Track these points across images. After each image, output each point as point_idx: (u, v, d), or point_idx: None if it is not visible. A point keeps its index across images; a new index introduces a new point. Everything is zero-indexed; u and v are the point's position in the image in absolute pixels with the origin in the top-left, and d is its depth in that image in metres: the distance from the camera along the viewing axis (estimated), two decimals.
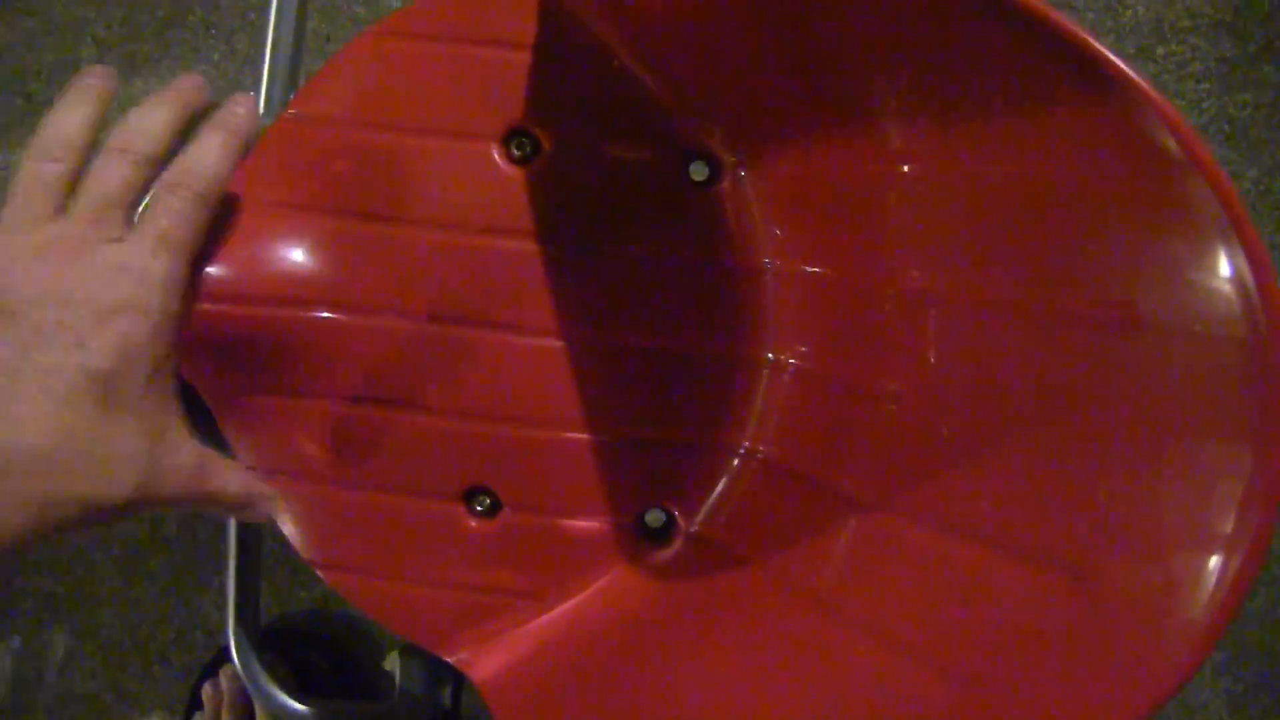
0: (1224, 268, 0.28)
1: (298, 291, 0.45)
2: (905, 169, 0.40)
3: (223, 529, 0.55)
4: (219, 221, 0.44)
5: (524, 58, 0.45)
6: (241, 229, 0.44)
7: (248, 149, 0.43)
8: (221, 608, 0.56)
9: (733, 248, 0.46)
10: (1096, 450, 0.34)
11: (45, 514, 0.35)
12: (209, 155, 0.41)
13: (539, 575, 0.47)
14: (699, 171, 0.46)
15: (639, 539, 0.48)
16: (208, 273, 0.43)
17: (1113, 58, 0.29)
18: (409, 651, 0.72)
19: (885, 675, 0.38)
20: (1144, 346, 0.32)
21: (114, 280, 0.37)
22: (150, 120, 0.40)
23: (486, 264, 0.46)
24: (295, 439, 0.46)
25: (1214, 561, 0.29)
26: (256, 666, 0.66)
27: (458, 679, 0.63)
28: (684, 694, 0.43)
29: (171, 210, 0.39)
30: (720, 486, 0.47)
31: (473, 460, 0.46)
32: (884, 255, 0.42)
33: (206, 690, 0.86)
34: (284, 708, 0.68)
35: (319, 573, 0.47)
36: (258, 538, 0.55)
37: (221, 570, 0.55)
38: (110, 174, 0.39)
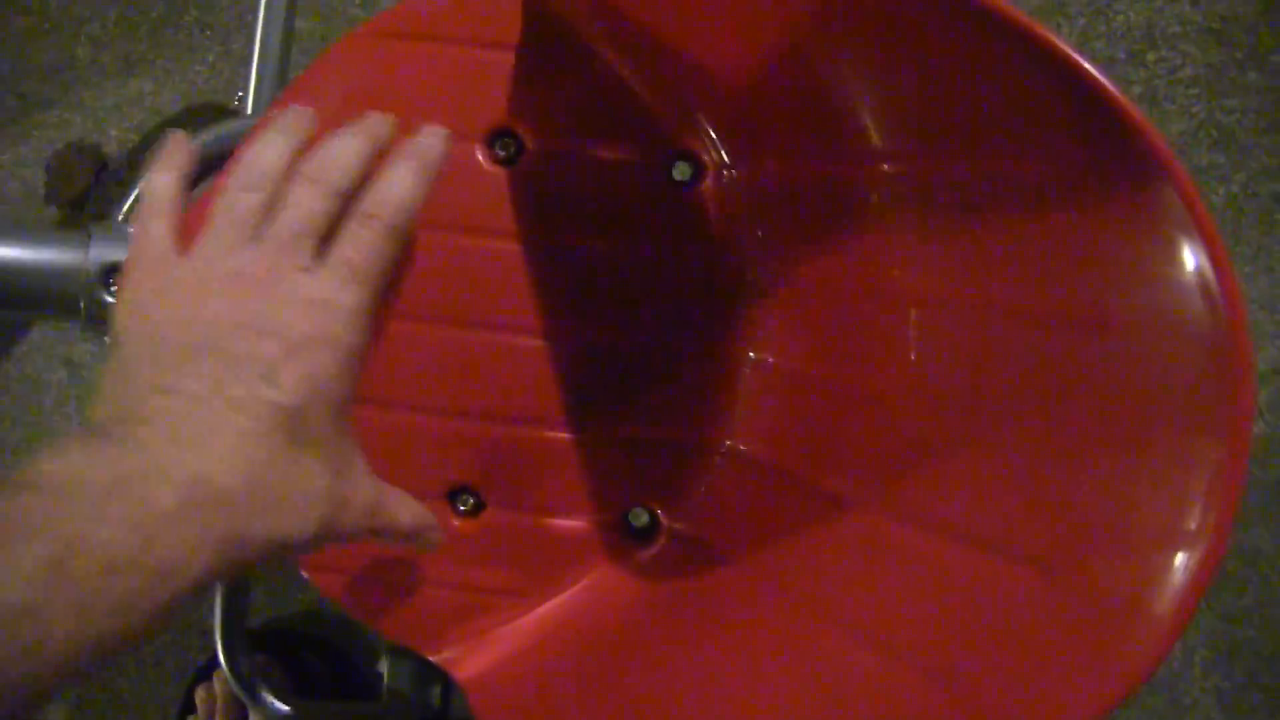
0: (1188, 269, 0.29)
1: None
2: (886, 167, 0.40)
3: None
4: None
5: (508, 58, 0.45)
6: None
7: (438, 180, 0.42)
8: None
9: (714, 247, 0.47)
10: (1071, 448, 0.34)
11: (230, 552, 0.33)
12: (401, 186, 0.40)
13: (523, 574, 0.47)
14: (682, 171, 0.46)
15: (623, 538, 0.48)
16: None
17: (1088, 65, 0.29)
18: (397, 652, 0.72)
19: (865, 672, 0.38)
20: (1115, 346, 0.33)
21: (304, 313, 0.37)
22: (344, 152, 0.40)
23: (469, 263, 0.46)
24: None
25: (1180, 556, 0.29)
26: (244, 671, 0.66)
27: (446, 679, 0.63)
28: (667, 692, 0.43)
29: (362, 242, 0.38)
30: (703, 485, 0.48)
31: (456, 459, 0.46)
32: (866, 255, 0.43)
33: (200, 693, 0.86)
34: (275, 710, 0.68)
35: (304, 573, 0.47)
36: None
37: None
38: (303, 204, 0.38)
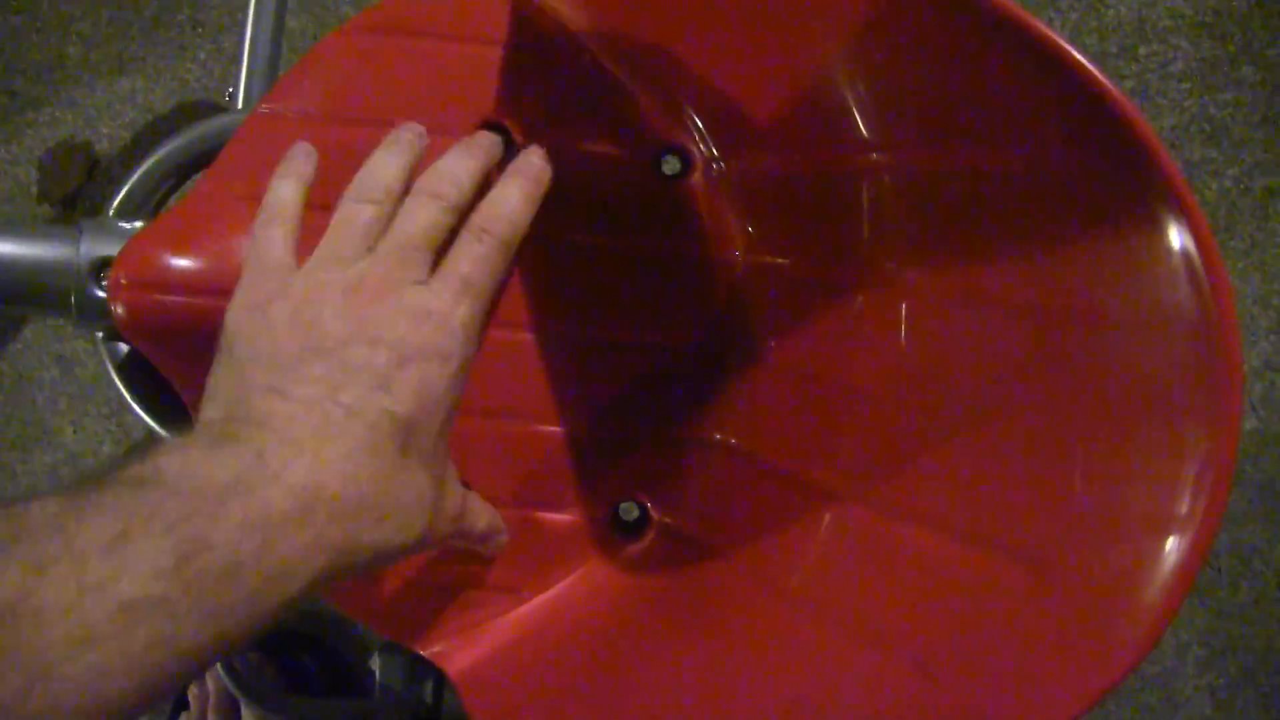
0: (1176, 257, 0.29)
1: None
2: (875, 157, 0.40)
3: None
4: (194, 216, 0.44)
5: (495, 53, 0.45)
6: (216, 222, 0.45)
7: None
8: None
9: (704, 241, 0.47)
10: (1059, 439, 0.34)
11: (340, 560, 0.34)
12: (511, 201, 0.41)
13: (513, 568, 0.47)
14: (670, 165, 0.46)
15: (613, 532, 0.48)
16: (180, 265, 0.43)
17: (1068, 47, 0.29)
18: (389, 649, 0.72)
19: (856, 665, 0.38)
20: (1103, 336, 0.33)
21: (418, 324, 0.37)
22: (460, 168, 0.41)
23: None
24: None
25: (1169, 545, 0.29)
26: (237, 668, 0.66)
27: (439, 676, 0.63)
28: (657, 685, 0.43)
29: (474, 255, 0.39)
30: (694, 479, 0.48)
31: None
32: (856, 248, 0.43)
33: (193, 690, 0.86)
34: (268, 707, 0.69)
35: None
36: None
37: None
38: (420, 217, 0.39)
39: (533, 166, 0.42)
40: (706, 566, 0.46)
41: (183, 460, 0.33)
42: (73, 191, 1.13)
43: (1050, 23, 0.29)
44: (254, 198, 0.45)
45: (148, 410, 0.51)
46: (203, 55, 1.16)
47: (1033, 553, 0.34)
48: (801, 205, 0.45)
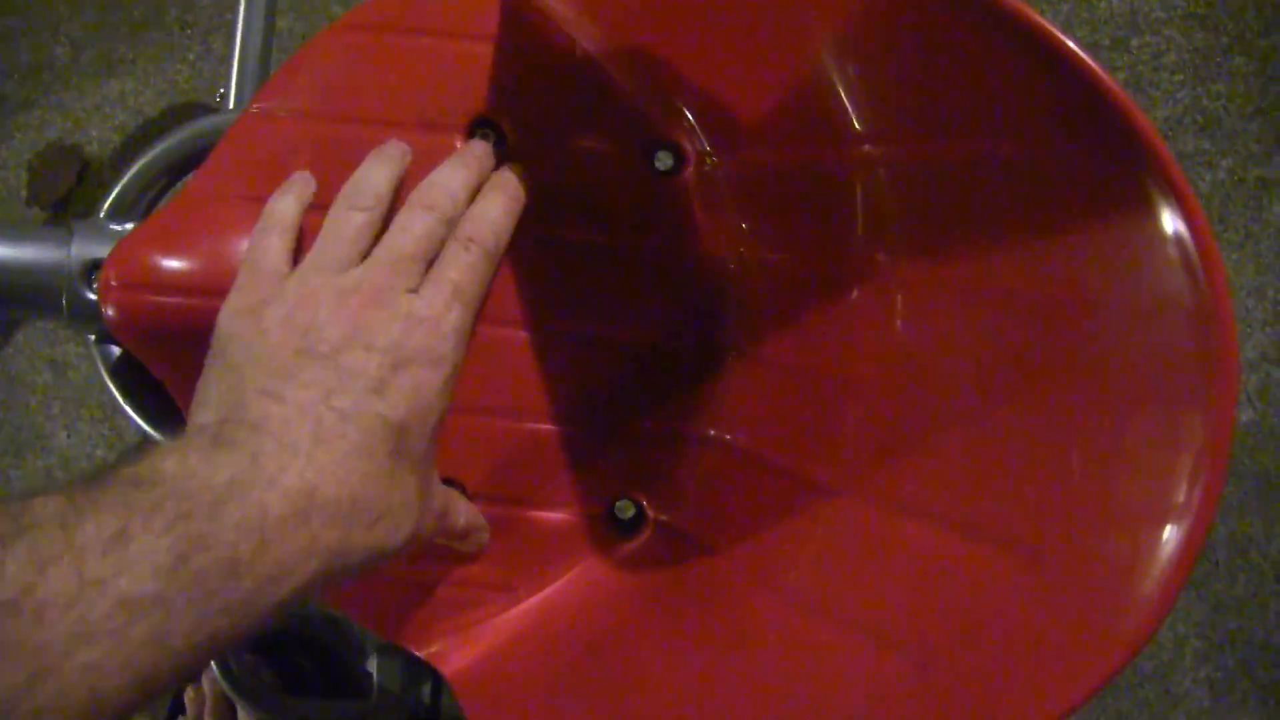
0: (1170, 243, 0.29)
1: None
2: (868, 149, 0.40)
3: None
4: (185, 217, 0.44)
5: (486, 49, 0.45)
6: (207, 222, 0.44)
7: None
8: None
9: (697, 237, 0.46)
10: (1055, 429, 0.34)
11: (334, 562, 0.34)
12: (494, 213, 0.42)
13: (509, 567, 0.47)
14: (663, 161, 0.46)
15: (609, 530, 0.48)
16: (171, 265, 0.43)
17: (1062, 37, 0.29)
18: (387, 650, 0.72)
19: (854, 661, 0.38)
20: (1098, 324, 0.33)
21: (411, 330, 0.38)
22: (454, 181, 0.42)
23: None
24: None
25: (1165, 535, 0.29)
26: (234, 671, 0.66)
27: (436, 676, 0.63)
28: (654, 683, 0.43)
29: (463, 264, 0.40)
30: (689, 476, 0.47)
31: (441, 452, 0.46)
32: (851, 241, 0.43)
33: (189, 693, 0.86)
34: (264, 709, 0.68)
35: None
36: None
37: None
38: (414, 229, 0.40)
39: (510, 183, 0.44)
40: (703, 564, 0.46)
41: (180, 462, 0.33)
42: (63, 194, 1.13)
43: (1042, 14, 0.29)
44: (245, 197, 0.45)
45: (140, 412, 0.51)
46: (192, 56, 1.16)
47: (1029, 544, 0.34)
48: (795, 200, 0.45)
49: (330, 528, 0.34)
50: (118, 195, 0.52)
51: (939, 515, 0.38)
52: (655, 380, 0.47)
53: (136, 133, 1.14)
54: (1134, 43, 1.16)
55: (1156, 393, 0.31)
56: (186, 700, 0.86)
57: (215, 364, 0.39)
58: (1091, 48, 1.15)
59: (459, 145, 0.45)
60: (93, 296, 0.45)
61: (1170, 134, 1.16)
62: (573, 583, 0.47)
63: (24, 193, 1.14)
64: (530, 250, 0.46)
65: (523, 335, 0.46)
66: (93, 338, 0.51)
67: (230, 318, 0.39)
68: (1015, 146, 0.34)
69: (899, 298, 0.41)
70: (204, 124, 0.53)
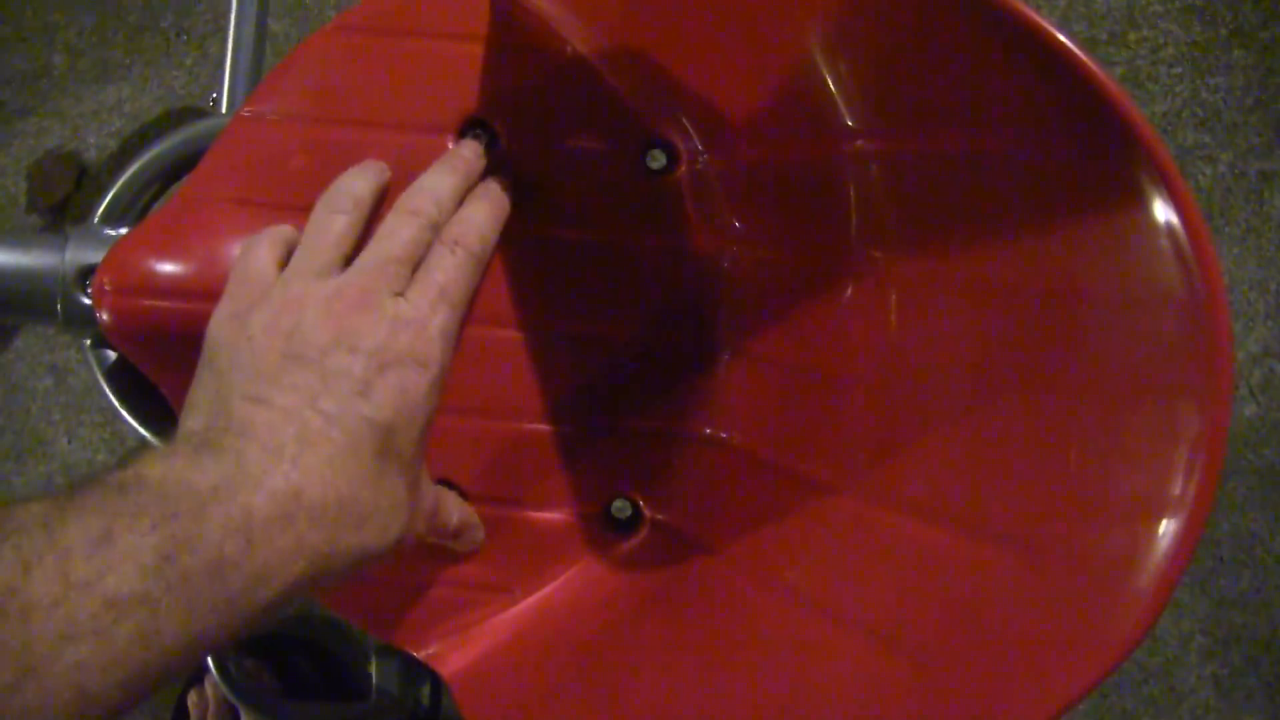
0: (1163, 234, 0.29)
1: None
2: (860, 144, 0.40)
3: None
4: (178, 220, 0.44)
5: (477, 50, 0.45)
6: (200, 226, 0.44)
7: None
8: None
9: (690, 235, 0.46)
10: (1051, 423, 0.34)
11: (321, 564, 0.35)
12: (480, 217, 0.43)
13: (506, 568, 0.47)
14: (656, 159, 0.46)
15: (605, 530, 0.47)
16: (164, 269, 0.43)
17: (1051, 28, 0.29)
18: (386, 652, 0.72)
19: (850, 658, 0.38)
20: (1093, 317, 0.32)
21: (397, 332, 0.38)
22: (441, 186, 0.42)
23: None
24: None
25: (1163, 525, 0.29)
26: (234, 675, 0.66)
27: (436, 678, 0.63)
28: (651, 683, 0.43)
29: (449, 267, 0.40)
30: (685, 475, 0.47)
31: (436, 454, 0.46)
32: (845, 238, 0.42)
33: (191, 698, 0.86)
34: (266, 713, 0.68)
35: None
36: None
37: None
38: (401, 234, 0.40)
39: (494, 191, 0.44)
40: (700, 563, 0.45)
41: (165, 467, 0.33)
42: (61, 201, 1.13)
43: (1040, 10, 0.29)
44: (237, 201, 0.45)
45: (137, 416, 0.51)
46: (189, 61, 1.16)
47: (1026, 539, 0.34)
48: (789, 197, 0.45)
49: (316, 529, 0.34)
50: (112, 200, 0.52)
51: (935, 512, 0.38)
52: (650, 379, 0.47)
53: (134, 139, 1.14)
54: (1132, 37, 1.16)
55: (1152, 385, 0.31)
56: (189, 705, 0.86)
57: (204, 371, 0.39)
58: (1089, 43, 1.15)
59: (451, 147, 0.45)
60: (88, 302, 0.45)
61: (1169, 128, 1.15)
62: (570, 583, 0.47)
63: (23, 200, 1.14)
64: (524, 250, 0.46)
65: (517, 336, 0.46)
66: (89, 342, 0.51)
67: (218, 325, 0.40)
68: (1007, 140, 0.34)
69: (893, 294, 0.41)
70: (197, 128, 0.53)
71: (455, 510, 0.44)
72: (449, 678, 0.45)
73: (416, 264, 0.40)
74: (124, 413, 0.51)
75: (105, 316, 0.43)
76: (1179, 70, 1.15)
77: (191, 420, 0.37)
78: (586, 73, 0.45)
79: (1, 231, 0.49)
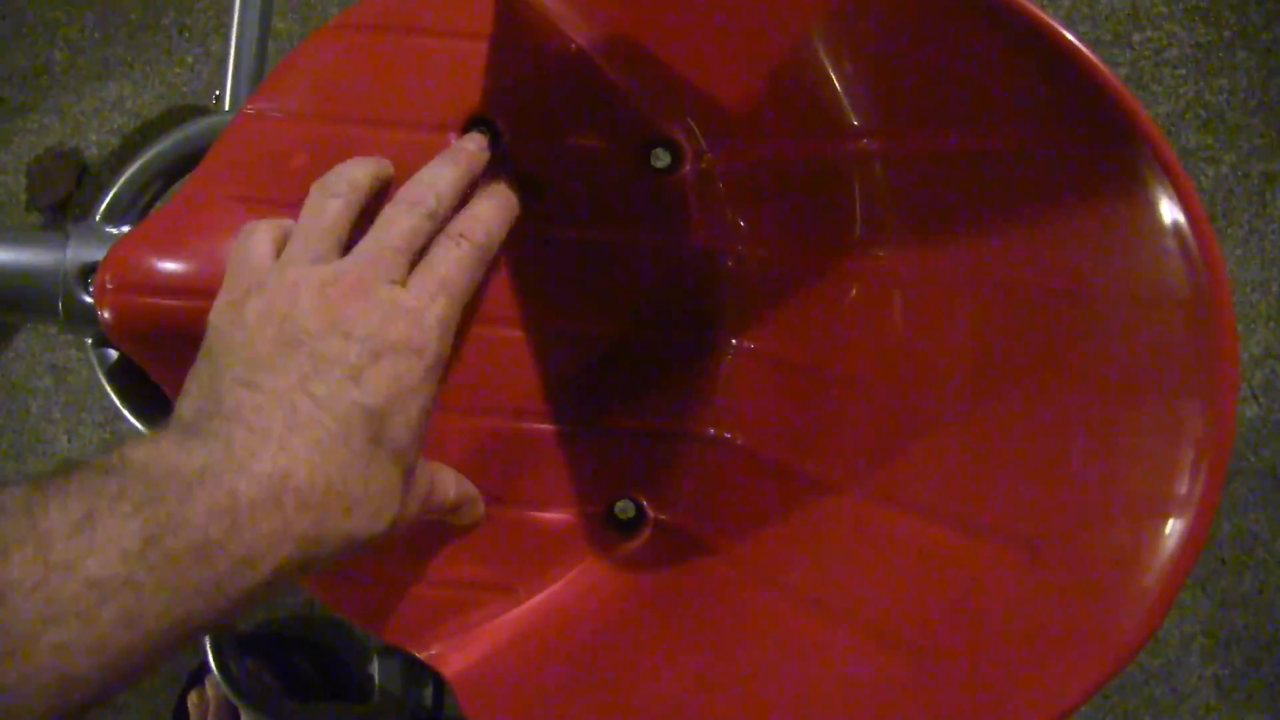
0: (1167, 232, 0.28)
1: None
2: (865, 143, 0.40)
3: None
4: (180, 218, 0.44)
5: (481, 48, 0.45)
6: (202, 224, 0.44)
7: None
8: None
9: (694, 234, 0.46)
10: (1054, 422, 0.34)
11: (308, 548, 0.34)
12: (487, 213, 0.43)
13: (509, 568, 0.47)
14: (660, 158, 0.46)
15: (609, 530, 0.47)
16: (166, 267, 0.43)
17: (1056, 25, 0.29)
18: (388, 652, 0.72)
19: (853, 658, 0.38)
20: (1097, 316, 0.32)
21: (392, 319, 0.38)
22: (440, 177, 0.42)
23: None
24: None
25: (1168, 528, 0.29)
26: (236, 675, 0.66)
27: (438, 678, 0.63)
28: (655, 683, 0.43)
29: (451, 258, 0.40)
30: (688, 475, 0.47)
31: (438, 453, 0.46)
32: (849, 237, 0.42)
33: (192, 699, 0.86)
34: (267, 712, 0.68)
35: None
36: None
37: None
38: (400, 223, 0.40)
39: (503, 191, 0.44)
40: (703, 563, 0.45)
41: (151, 450, 0.33)
42: (62, 199, 1.13)
43: (1044, 9, 0.29)
44: (240, 199, 0.45)
45: (138, 415, 0.51)
46: (190, 59, 1.16)
47: (1030, 539, 0.34)
48: (793, 197, 0.45)
49: (304, 513, 0.34)
50: (113, 198, 0.52)
51: (939, 511, 0.38)
52: (654, 379, 0.47)
53: (135, 136, 1.14)
54: (1136, 38, 1.16)
55: (1156, 384, 0.31)
56: (190, 705, 0.86)
57: (201, 360, 0.39)
58: (1093, 43, 1.14)
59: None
60: (89, 300, 0.45)
61: (1173, 130, 1.15)
62: (573, 583, 0.47)
63: (23, 197, 1.14)
64: (527, 249, 0.45)
65: (519, 335, 0.46)
66: (90, 341, 0.50)
67: (216, 313, 0.40)
68: (1012, 138, 0.34)
69: (897, 293, 0.41)
70: (199, 126, 0.53)
71: (453, 485, 0.44)
72: (451, 678, 0.45)
73: (415, 254, 0.40)
74: (125, 412, 0.51)
75: (107, 315, 0.43)
76: (1183, 72, 1.15)
77: (183, 406, 0.37)
78: (590, 71, 0.45)
79: (2, 229, 0.48)
